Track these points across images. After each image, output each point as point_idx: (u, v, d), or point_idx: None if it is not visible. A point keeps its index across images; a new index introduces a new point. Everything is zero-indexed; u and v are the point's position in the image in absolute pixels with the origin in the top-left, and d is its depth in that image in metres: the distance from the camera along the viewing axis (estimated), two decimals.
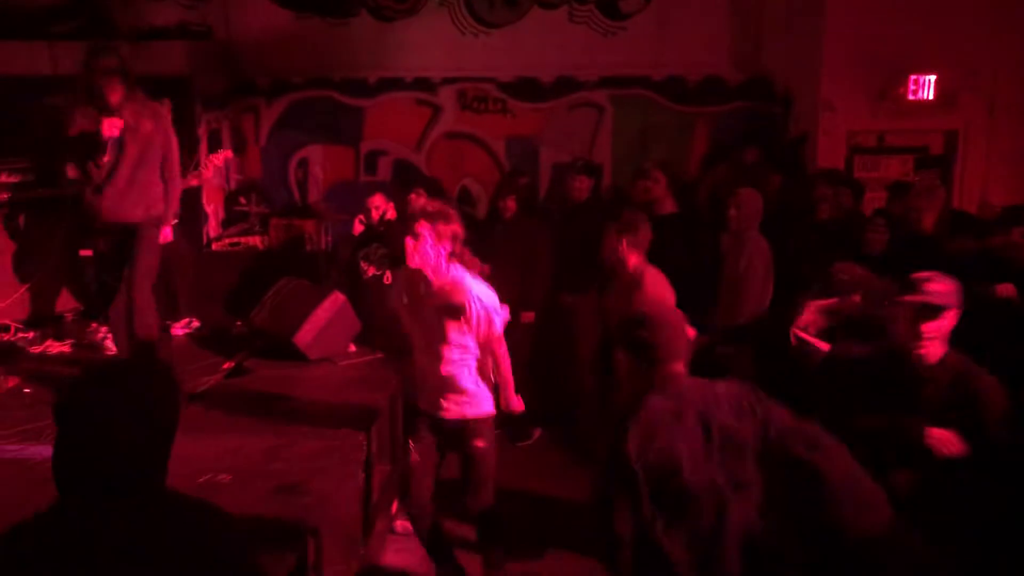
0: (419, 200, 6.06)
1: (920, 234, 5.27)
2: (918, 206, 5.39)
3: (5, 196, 6.03)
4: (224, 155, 6.39)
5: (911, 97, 6.72)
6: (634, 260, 4.64)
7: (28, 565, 1.67)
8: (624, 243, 4.63)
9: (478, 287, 3.73)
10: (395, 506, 4.80)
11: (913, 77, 6.69)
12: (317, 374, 5.24)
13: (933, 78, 6.67)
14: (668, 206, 5.97)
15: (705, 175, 7.32)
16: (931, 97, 6.70)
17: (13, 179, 6.07)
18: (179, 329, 6.05)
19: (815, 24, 6.84)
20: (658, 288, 4.53)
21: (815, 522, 2.16)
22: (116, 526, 1.69)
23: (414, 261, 3.66)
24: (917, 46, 6.68)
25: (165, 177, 4.85)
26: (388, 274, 5.86)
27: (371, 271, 5.95)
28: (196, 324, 6.17)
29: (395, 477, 5.02)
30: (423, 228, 3.62)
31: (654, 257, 4.87)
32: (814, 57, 6.89)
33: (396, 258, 5.64)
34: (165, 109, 5.39)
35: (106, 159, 4.60)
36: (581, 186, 6.45)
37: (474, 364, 3.82)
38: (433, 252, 3.64)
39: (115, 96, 4.57)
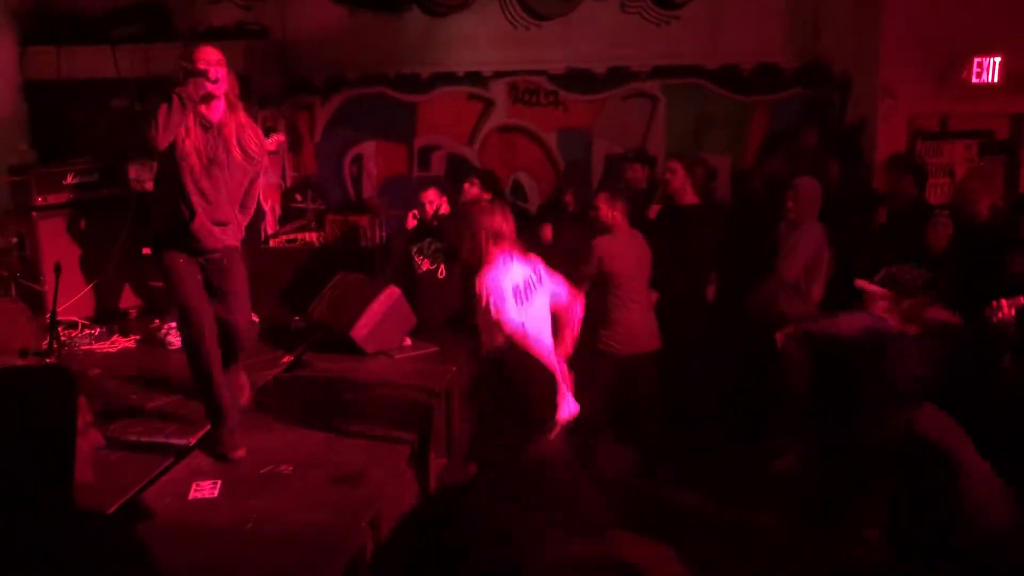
0: (472, 189, 6.09)
1: (975, 222, 5.11)
2: (973, 189, 5.22)
3: (71, 196, 6.20)
4: (277, 139, 6.31)
5: (975, 80, 6.52)
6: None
7: None
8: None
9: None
10: None
11: (977, 59, 6.49)
12: (374, 367, 5.29)
13: (998, 60, 6.46)
14: (688, 197, 5.75)
15: (761, 164, 7.22)
16: (996, 80, 6.49)
17: (78, 180, 6.23)
18: None
19: (873, 6, 6.68)
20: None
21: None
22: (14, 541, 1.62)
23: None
24: (981, 27, 6.48)
25: (244, 203, 4.31)
26: (442, 268, 5.90)
27: (425, 265, 5.99)
28: (255, 319, 6.26)
29: (451, 468, 5.05)
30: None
31: (675, 250, 5.23)
32: (873, 41, 6.74)
33: (450, 252, 5.68)
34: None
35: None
36: (637, 175, 6.44)
37: None
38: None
39: (216, 112, 4.02)
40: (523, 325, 3.67)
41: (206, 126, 3.98)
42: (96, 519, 1.76)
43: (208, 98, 3.94)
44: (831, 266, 5.21)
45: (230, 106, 4.06)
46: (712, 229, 5.66)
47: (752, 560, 4.19)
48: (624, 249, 5.09)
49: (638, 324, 5.17)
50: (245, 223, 4.33)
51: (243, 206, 4.29)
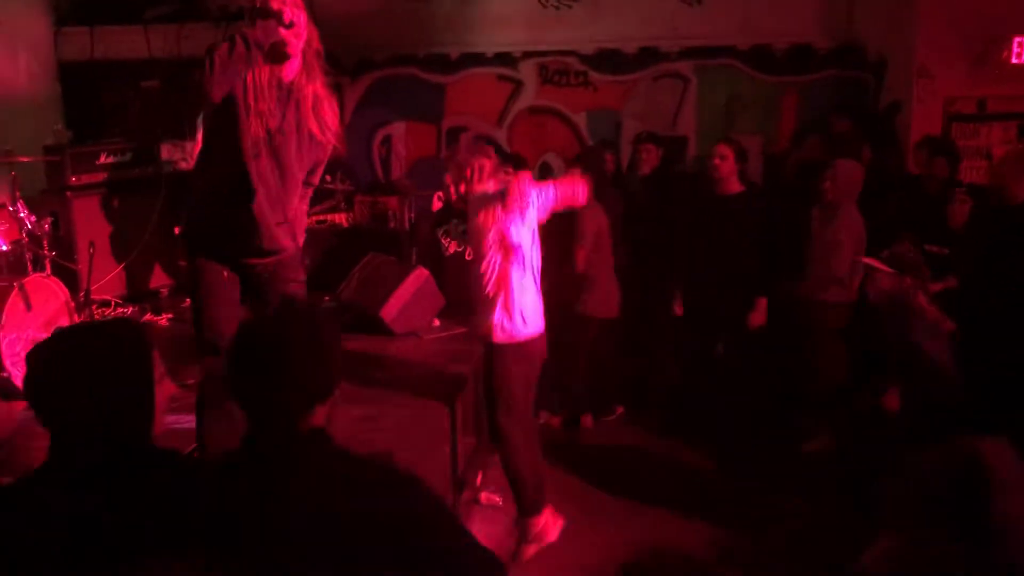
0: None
1: (1010, 204, 5.02)
2: (1008, 172, 5.13)
3: (105, 176, 6.26)
4: None
5: (1015, 61, 6.40)
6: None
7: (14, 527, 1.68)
8: None
9: None
10: (480, 478, 4.85)
11: (1018, 39, 6.36)
12: (403, 348, 5.32)
13: None
14: (733, 185, 5.35)
15: (794, 147, 7.13)
16: None
17: (112, 159, 6.29)
18: None
19: None
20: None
21: None
22: (98, 489, 1.70)
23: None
24: (1021, 6, 6.35)
25: (304, 193, 3.53)
26: (469, 249, 5.90)
27: (452, 247, 6.00)
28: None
29: (479, 449, 5.07)
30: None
31: (721, 242, 5.11)
32: (909, 21, 6.62)
33: None
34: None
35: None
36: (649, 157, 6.40)
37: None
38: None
39: (290, 71, 3.21)
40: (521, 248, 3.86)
41: (275, 85, 3.13)
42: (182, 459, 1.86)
43: (279, 51, 3.10)
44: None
45: (306, 66, 3.20)
46: (760, 217, 5.39)
47: (771, 543, 4.20)
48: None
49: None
50: (303, 221, 3.49)
51: (302, 197, 3.43)
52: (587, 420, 5.80)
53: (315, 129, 3.25)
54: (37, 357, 1.78)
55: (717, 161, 5.27)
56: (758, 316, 5.20)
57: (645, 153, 6.47)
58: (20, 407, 4.32)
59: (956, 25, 6.44)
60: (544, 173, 7.66)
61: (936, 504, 1.86)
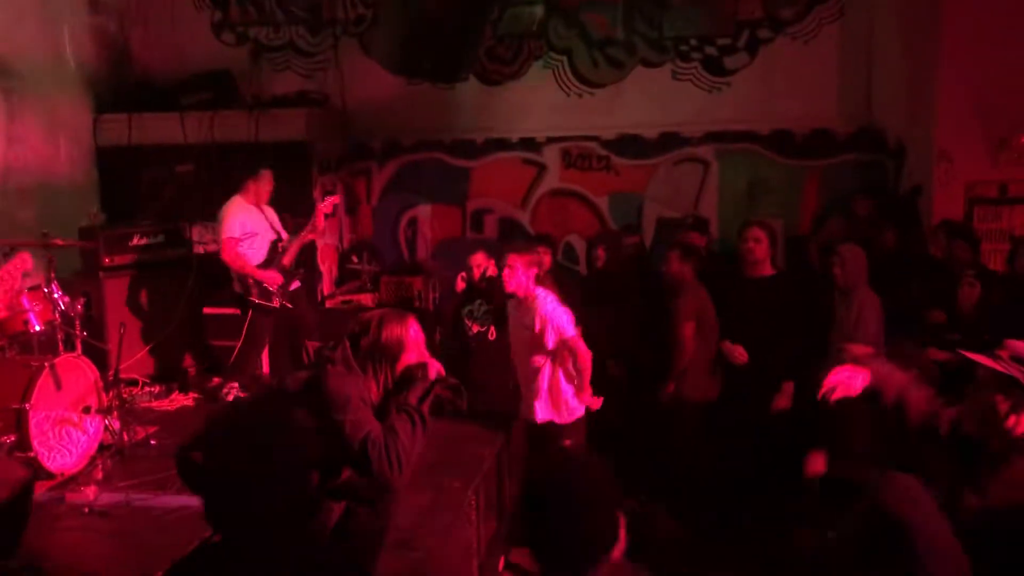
0: (546, 258, 6.12)
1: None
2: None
3: (136, 257, 6.41)
4: (332, 200, 6.39)
5: None
6: None
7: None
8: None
9: (551, 299, 4.66)
10: (502, 563, 4.78)
11: None
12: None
13: None
14: (766, 267, 5.34)
15: (817, 230, 7.18)
16: None
17: (144, 241, 6.45)
18: None
19: (929, 71, 6.66)
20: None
21: None
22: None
23: (510, 287, 4.68)
24: None
25: None
26: (492, 330, 5.93)
27: (475, 328, 6.03)
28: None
29: (501, 533, 5.01)
30: (515, 260, 4.65)
31: (751, 323, 4.97)
32: (928, 106, 6.71)
33: (500, 314, 5.72)
34: None
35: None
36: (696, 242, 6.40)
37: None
38: (524, 277, 4.65)
39: None
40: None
41: None
42: None
43: None
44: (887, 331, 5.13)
45: None
46: (793, 301, 5.30)
47: None
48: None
49: None
50: None
51: None
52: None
53: None
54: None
55: (752, 244, 5.25)
56: (783, 400, 5.13)
57: (690, 239, 6.38)
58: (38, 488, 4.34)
59: (976, 109, 6.50)
60: (567, 254, 7.76)
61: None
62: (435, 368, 2.95)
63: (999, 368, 2.47)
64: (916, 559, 1.95)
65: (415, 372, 2.89)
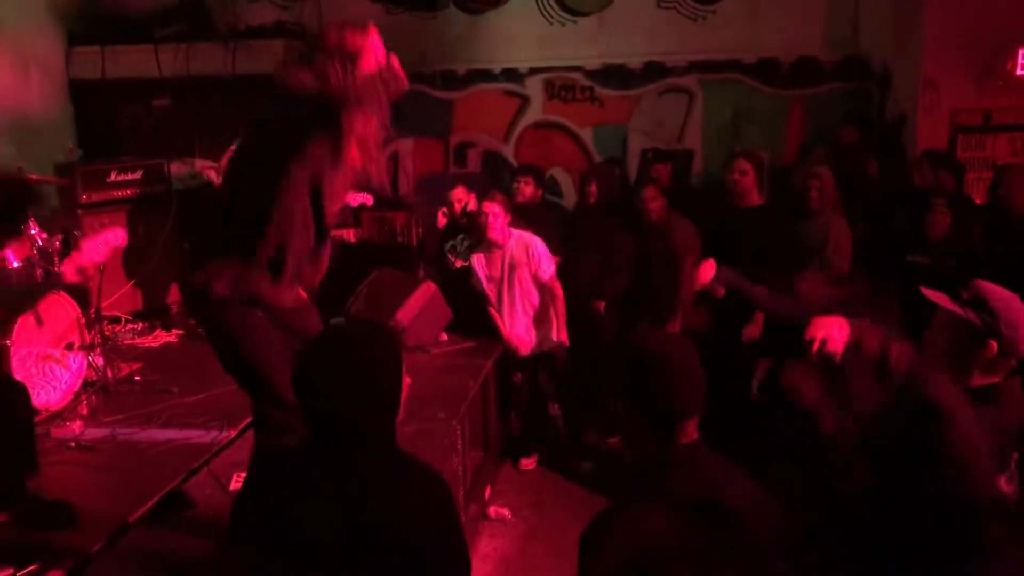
0: (527, 188, 6.09)
1: (1011, 216, 5.04)
2: (1009, 182, 5.15)
3: (115, 194, 6.31)
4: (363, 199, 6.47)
5: (1020, 72, 6.41)
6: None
7: (279, 486, 1.96)
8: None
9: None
10: (488, 492, 4.86)
11: (1022, 51, 6.37)
12: (410, 361, 5.25)
13: None
14: (753, 197, 5.35)
15: (801, 160, 7.15)
16: None
17: (122, 177, 6.35)
18: None
19: (915, 0, 6.59)
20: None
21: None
22: (352, 467, 1.94)
23: (493, 234, 5.26)
24: None
25: None
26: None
27: (459, 263, 6.02)
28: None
29: (487, 463, 5.08)
30: (491, 207, 5.25)
31: (739, 252, 4.81)
32: (914, 34, 6.65)
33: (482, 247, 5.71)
34: None
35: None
36: (660, 175, 6.44)
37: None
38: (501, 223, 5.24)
39: None
40: None
41: None
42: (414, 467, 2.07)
43: None
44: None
45: None
46: (784, 228, 5.32)
47: None
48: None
49: None
50: None
51: None
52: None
53: None
54: (307, 357, 2.01)
55: (737, 176, 5.26)
56: (754, 328, 5.13)
57: (655, 172, 6.49)
58: None
59: (961, 37, 6.45)
60: (551, 187, 7.71)
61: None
62: None
63: (956, 311, 2.45)
64: (952, 447, 2.14)
65: None
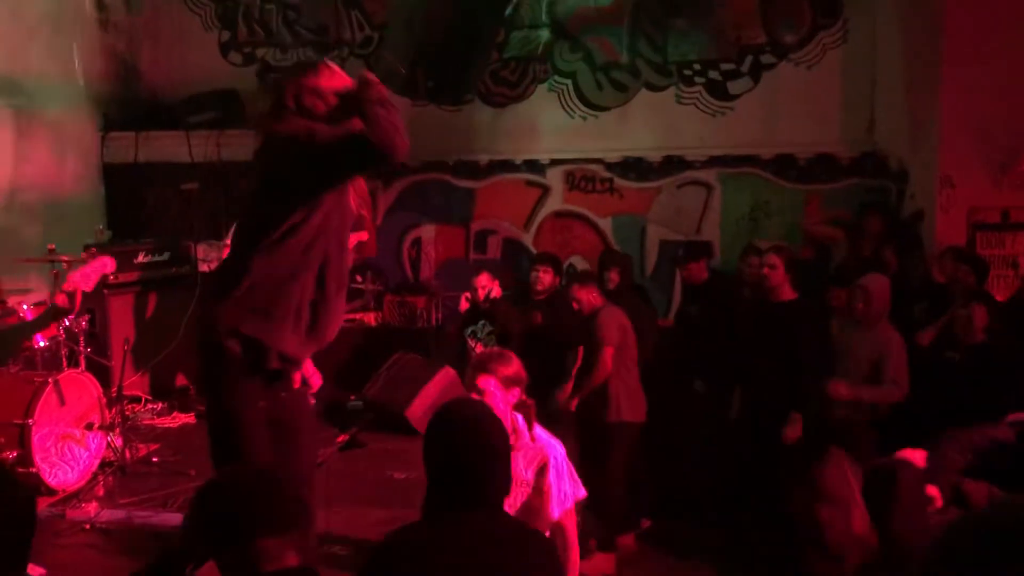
0: (546, 277, 6.06)
1: None
2: None
3: (141, 275, 6.42)
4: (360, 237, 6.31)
5: None
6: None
7: (411, 556, 2.07)
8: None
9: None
10: None
11: None
12: None
13: None
14: (786, 293, 5.08)
15: (819, 256, 7.20)
16: None
17: (149, 258, 6.47)
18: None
19: (930, 96, 6.70)
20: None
21: None
22: (470, 532, 2.07)
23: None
24: None
25: None
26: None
27: (479, 348, 6.05)
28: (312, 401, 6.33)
29: None
30: (486, 383, 2.99)
31: (773, 349, 4.79)
32: (930, 131, 6.74)
33: (503, 335, 5.73)
34: None
35: None
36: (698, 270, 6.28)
37: None
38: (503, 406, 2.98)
39: None
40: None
41: None
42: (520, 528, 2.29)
43: None
44: None
45: None
46: (820, 324, 5.12)
47: None
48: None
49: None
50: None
51: None
52: (628, 540, 4.95)
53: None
54: (440, 425, 2.24)
55: (767, 271, 5.08)
56: (793, 430, 4.86)
57: (687, 273, 6.17)
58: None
59: (978, 135, 6.52)
60: (570, 276, 7.76)
61: None
62: None
63: None
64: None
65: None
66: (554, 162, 7.91)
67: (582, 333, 5.21)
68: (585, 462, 4.23)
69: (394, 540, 2.13)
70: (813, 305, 5.30)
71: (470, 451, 2.13)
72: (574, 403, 4.94)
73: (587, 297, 5.06)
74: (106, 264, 3.70)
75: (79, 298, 3.43)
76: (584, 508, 4.45)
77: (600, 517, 4.74)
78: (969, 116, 6.53)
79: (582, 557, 3.55)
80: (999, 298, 5.85)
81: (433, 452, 2.20)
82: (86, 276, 3.46)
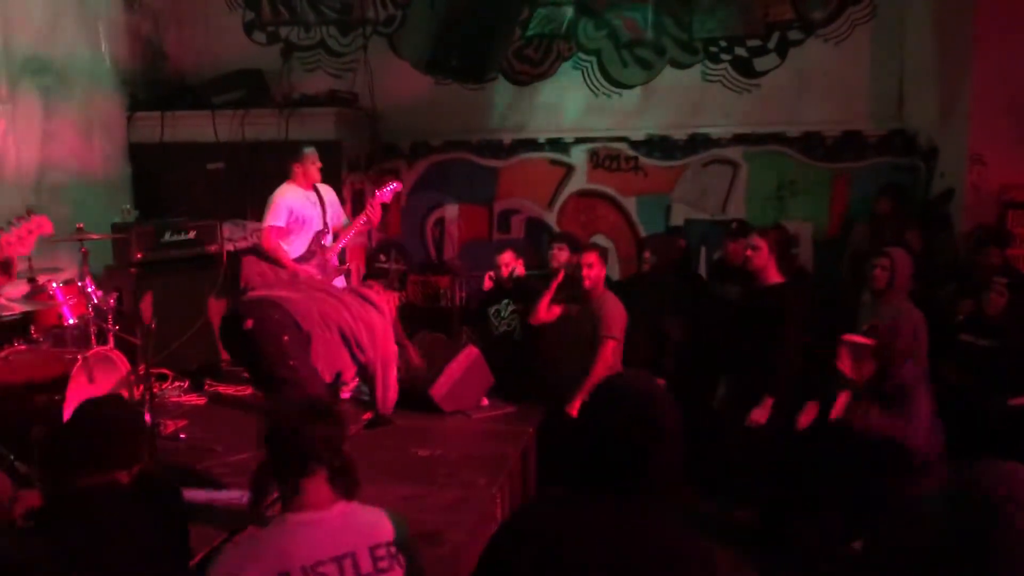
0: (562, 254, 6.09)
1: None
2: None
3: (167, 253, 6.47)
4: (393, 189, 6.18)
5: None
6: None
7: (536, 538, 1.87)
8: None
9: None
10: None
11: None
12: (452, 426, 5.34)
13: None
14: (772, 275, 4.91)
15: (845, 236, 7.12)
16: None
17: (176, 238, 6.52)
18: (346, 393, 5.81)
19: (961, 74, 6.59)
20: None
21: None
22: (620, 519, 1.86)
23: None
24: None
25: None
26: (519, 329, 5.95)
27: (502, 327, 6.05)
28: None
29: None
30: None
31: (765, 337, 4.72)
32: (960, 109, 6.64)
33: (526, 313, 5.74)
34: None
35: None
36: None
37: None
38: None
39: None
40: None
41: None
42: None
43: None
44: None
45: None
46: (804, 309, 5.00)
47: None
48: None
49: None
50: None
51: None
52: None
53: None
54: (605, 396, 2.02)
55: (750, 252, 4.92)
56: (760, 413, 4.79)
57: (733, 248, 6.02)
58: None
59: (1009, 111, 6.42)
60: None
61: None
62: None
63: None
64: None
65: None
66: (578, 141, 7.87)
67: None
68: None
69: (524, 520, 1.97)
70: (799, 290, 5.13)
71: (634, 429, 1.89)
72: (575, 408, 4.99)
73: (598, 272, 5.30)
74: (42, 224, 3.69)
75: (15, 264, 3.48)
76: None
77: None
78: (1001, 92, 6.43)
79: None
80: None
81: (594, 426, 1.95)
82: (22, 239, 3.49)
